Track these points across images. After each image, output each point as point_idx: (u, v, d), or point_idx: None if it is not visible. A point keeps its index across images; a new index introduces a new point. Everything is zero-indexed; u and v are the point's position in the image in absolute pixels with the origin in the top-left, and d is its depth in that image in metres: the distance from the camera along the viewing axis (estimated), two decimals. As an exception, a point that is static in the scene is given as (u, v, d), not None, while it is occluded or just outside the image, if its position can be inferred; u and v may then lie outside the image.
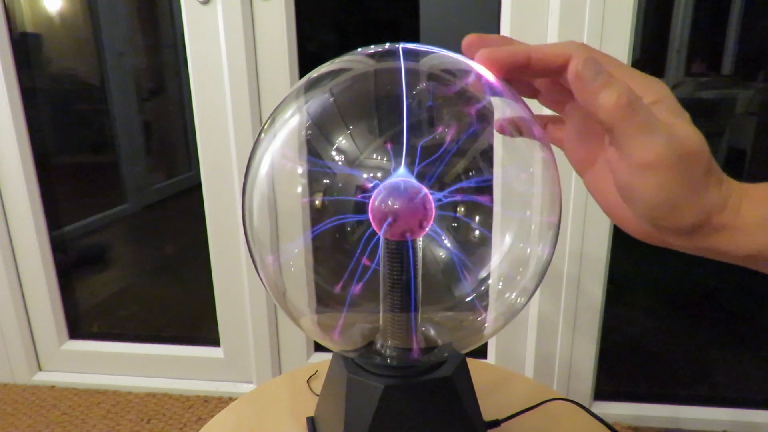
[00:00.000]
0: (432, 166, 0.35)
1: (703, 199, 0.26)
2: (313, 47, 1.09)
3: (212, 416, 0.57)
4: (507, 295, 0.40)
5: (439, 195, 0.36)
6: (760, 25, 1.11)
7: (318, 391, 0.56)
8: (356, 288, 0.38)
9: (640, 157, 0.25)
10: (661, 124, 0.26)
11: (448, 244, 0.38)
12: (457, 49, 0.39)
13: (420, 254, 0.38)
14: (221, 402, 1.20)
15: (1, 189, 1.18)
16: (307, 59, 1.05)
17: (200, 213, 1.14)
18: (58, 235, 1.29)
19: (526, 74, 0.30)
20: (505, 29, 0.95)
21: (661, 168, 0.25)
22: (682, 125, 0.26)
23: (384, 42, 0.40)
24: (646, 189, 0.26)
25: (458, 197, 0.36)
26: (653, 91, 0.27)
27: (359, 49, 0.39)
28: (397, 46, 0.38)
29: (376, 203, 0.35)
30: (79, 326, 1.34)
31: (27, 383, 1.28)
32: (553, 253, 0.39)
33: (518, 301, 0.40)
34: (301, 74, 0.85)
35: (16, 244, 1.22)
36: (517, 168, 0.39)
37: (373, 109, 0.36)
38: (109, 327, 1.37)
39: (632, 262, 1.23)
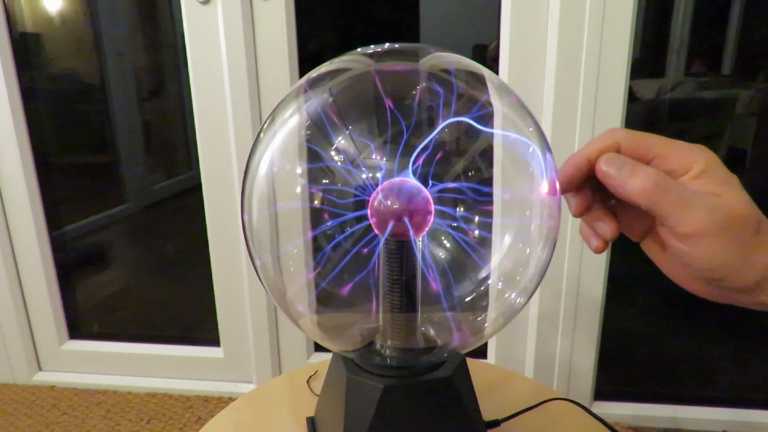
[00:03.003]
0: (431, 166, 0.35)
1: (758, 258, 0.27)
2: (313, 47, 1.09)
3: (212, 416, 0.57)
4: (507, 295, 0.40)
5: (439, 195, 0.36)
6: (760, 25, 1.11)
7: (318, 391, 0.56)
8: (356, 288, 0.38)
9: (684, 229, 0.27)
10: (698, 195, 0.27)
11: (448, 244, 0.38)
12: (458, 49, 0.39)
13: (420, 254, 0.38)
14: (221, 402, 1.20)
15: (1, 189, 1.18)
16: (307, 59, 1.05)
17: (200, 213, 1.14)
18: (58, 235, 1.29)
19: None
20: (505, 29, 0.95)
21: (707, 236, 0.26)
22: (726, 192, 0.27)
23: (384, 42, 0.40)
24: (698, 255, 0.27)
25: (458, 197, 0.36)
26: (699, 160, 0.28)
27: (359, 49, 0.39)
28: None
29: (375, 203, 0.35)
30: (79, 326, 1.34)
31: (27, 383, 1.28)
32: (552, 253, 0.39)
33: (518, 301, 0.40)
34: (301, 74, 0.85)
35: (16, 244, 1.22)
36: (517, 168, 0.39)
37: (373, 110, 0.36)
38: (109, 327, 1.37)
39: (632, 262, 1.23)
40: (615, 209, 0.33)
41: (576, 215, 0.33)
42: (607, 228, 0.32)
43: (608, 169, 0.29)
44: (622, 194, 0.29)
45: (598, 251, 0.33)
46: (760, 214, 0.27)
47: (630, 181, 0.28)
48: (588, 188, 0.32)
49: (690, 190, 0.27)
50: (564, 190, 0.33)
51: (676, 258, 0.29)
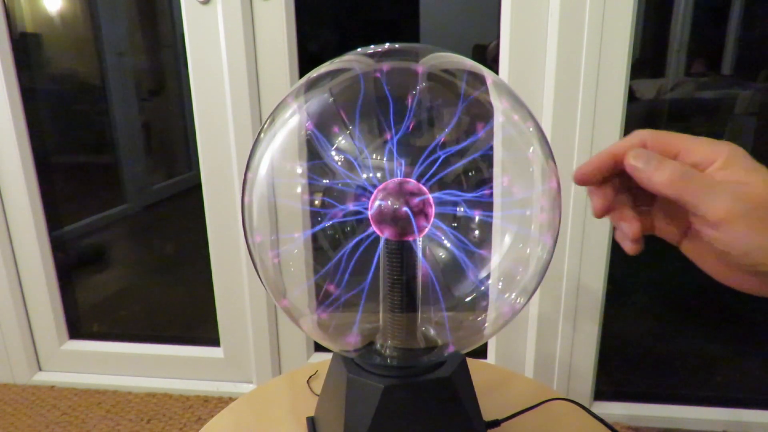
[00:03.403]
0: (432, 167, 0.35)
1: None
2: (313, 47, 1.09)
3: (212, 416, 0.57)
4: (507, 295, 0.40)
5: (439, 195, 0.36)
6: (760, 25, 1.11)
7: (318, 391, 0.56)
8: (356, 288, 0.38)
9: (713, 215, 0.28)
10: (724, 183, 0.28)
11: (448, 244, 0.38)
12: (458, 49, 0.39)
13: (420, 254, 0.38)
14: (221, 402, 1.20)
15: (1, 189, 1.18)
16: (307, 59, 1.05)
17: (200, 213, 1.14)
18: (58, 235, 1.29)
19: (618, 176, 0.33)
20: (505, 29, 0.95)
21: (737, 220, 0.27)
22: (753, 180, 0.28)
23: (384, 42, 0.40)
24: (731, 241, 0.28)
25: (458, 197, 0.36)
26: (723, 152, 0.29)
27: (359, 49, 0.39)
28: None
29: (375, 203, 0.35)
30: (79, 326, 1.34)
31: (27, 383, 1.28)
32: (552, 253, 0.39)
33: (518, 301, 0.40)
34: (301, 74, 0.85)
35: (16, 244, 1.22)
36: (517, 168, 0.39)
37: (373, 110, 0.36)
38: (109, 327, 1.37)
39: (632, 262, 1.23)
40: (649, 214, 0.34)
41: (597, 215, 0.34)
42: (630, 226, 0.33)
43: (636, 162, 0.30)
44: (649, 186, 0.30)
45: (633, 252, 0.33)
46: None
47: (657, 173, 0.29)
48: (610, 188, 0.33)
49: (712, 177, 0.28)
50: (585, 182, 0.33)
51: (714, 250, 0.30)
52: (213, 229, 1.14)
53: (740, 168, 0.28)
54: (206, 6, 1.01)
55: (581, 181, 0.33)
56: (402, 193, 0.35)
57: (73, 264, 1.35)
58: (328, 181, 0.36)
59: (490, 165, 0.36)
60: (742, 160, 0.29)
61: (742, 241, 0.28)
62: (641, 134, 0.32)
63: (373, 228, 0.36)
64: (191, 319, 1.38)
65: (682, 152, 0.30)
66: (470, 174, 0.36)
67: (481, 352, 1.16)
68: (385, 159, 0.35)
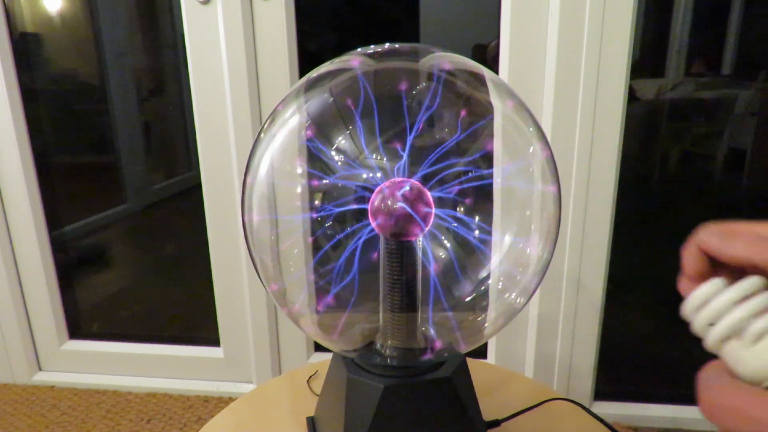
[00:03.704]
0: (432, 166, 0.35)
1: None
2: (313, 47, 1.09)
3: (212, 416, 0.57)
4: (507, 295, 0.40)
5: (439, 195, 0.36)
6: (760, 25, 1.11)
7: (318, 391, 0.56)
8: (356, 288, 0.37)
9: None
10: None
11: (448, 244, 0.38)
12: (458, 49, 0.39)
13: (420, 254, 0.38)
14: (221, 402, 1.20)
15: (1, 189, 1.18)
16: (307, 59, 1.05)
17: (200, 213, 1.14)
18: (58, 235, 1.29)
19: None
20: (505, 29, 0.95)
21: None
22: None
23: (384, 42, 0.40)
24: None
25: (458, 197, 0.36)
26: None
27: (359, 49, 0.39)
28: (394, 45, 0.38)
29: (376, 203, 0.35)
30: (79, 326, 1.34)
31: (27, 383, 1.28)
32: (552, 252, 0.39)
33: (518, 301, 0.40)
34: (301, 74, 0.85)
35: (16, 244, 1.22)
36: (517, 168, 0.39)
37: (373, 110, 0.36)
38: (109, 327, 1.37)
39: (632, 262, 1.23)
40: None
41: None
42: None
43: (710, 240, 0.29)
44: (726, 256, 0.28)
45: None
46: None
47: (732, 243, 0.28)
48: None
49: None
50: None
51: None
52: (213, 229, 1.14)
53: None
54: (206, 6, 1.01)
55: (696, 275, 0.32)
56: (402, 193, 0.35)
57: (73, 264, 1.35)
58: (327, 181, 0.36)
59: (490, 165, 0.36)
60: None
61: None
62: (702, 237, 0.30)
63: (374, 228, 0.36)
64: (191, 319, 1.38)
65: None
66: (470, 174, 0.36)
67: (481, 352, 1.16)
68: (384, 159, 0.35)
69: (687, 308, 0.28)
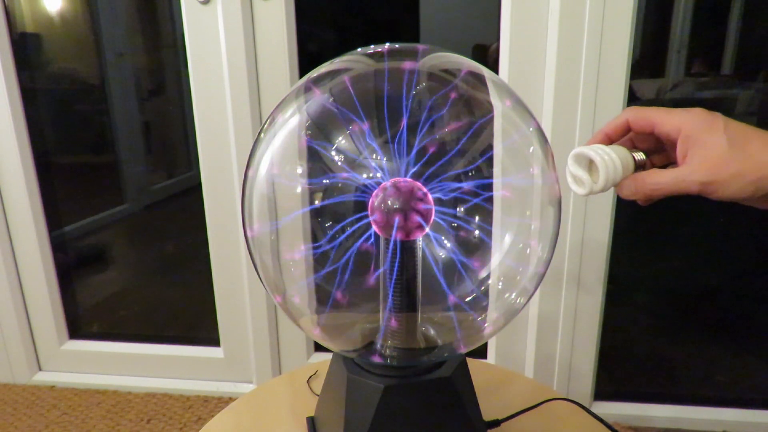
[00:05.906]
0: (432, 166, 0.35)
1: (754, 162, 0.32)
2: (313, 47, 1.09)
3: (212, 416, 0.57)
4: (507, 295, 0.40)
5: (439, 195, 0.36)
6: (760, 24, 1.11)
7: (318, 391, 0.56)
8: (356, 288, 0.38)
9: (669, 126, 0.35)
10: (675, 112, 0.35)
11: (448, 244, 0.38)
12: (458, 49, 0.39)
13: (420, 254, 0.38)
14: (221, 402, 1.20)
15: (1, 189, 1.18)
16: (307, 59, 1.05)
17: (200, 213, 1.14)
18: (58, 235, 1.29)
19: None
20: (505, 29, 0.95)
21: (721, 183, 0.33)
22: (709, 138, 0.33)
23: (384, 42, 0.40)
24: (723, 196, 0.34)
25: (458, 197, 0.36)
26: (686, 123, 0.35)
27: (359, 49, 0.39)
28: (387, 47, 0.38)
29: (376, 203, 0.35)
30: (79, 326, 1.34)
31: (27, 383, 1.28)
32: (552, 252, 0.39)
33: (518, 301, 0.40)
34: (301, 74, 0.85)
35: (16, 244, 1.22)
36: (517, 168, 0.39)
37: (373, 110, 0.36)
38: (109, 327, 1.37)
39: (632, 262, 1.23)
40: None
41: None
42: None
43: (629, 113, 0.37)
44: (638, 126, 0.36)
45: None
46: (729, 121, 0.33)
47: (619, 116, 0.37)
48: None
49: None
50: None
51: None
52: (213, 229, 1.14)
53: (700, 133, 0.33)
54: (206, 6, 1.01)
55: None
56: (402, 193, 0.35)
57: (73, 264, 1.35)
58: (328, 181, 0.36)
59: (490, 165, 0.36)
60: (700, 126, 0.33)
61: (729, 193, 0.32)
62: (626, 114, 0.37)
63: (374, 228, 0.36)
64: (191, 319, 1.38)
65: (656, 125, 0.35)
66: (470, 174, 0.36)
67: (481, 352, 1.16)
68: (385, 159, 0.35)
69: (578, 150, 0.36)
